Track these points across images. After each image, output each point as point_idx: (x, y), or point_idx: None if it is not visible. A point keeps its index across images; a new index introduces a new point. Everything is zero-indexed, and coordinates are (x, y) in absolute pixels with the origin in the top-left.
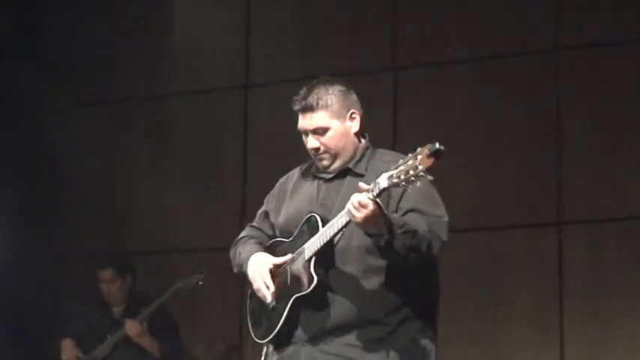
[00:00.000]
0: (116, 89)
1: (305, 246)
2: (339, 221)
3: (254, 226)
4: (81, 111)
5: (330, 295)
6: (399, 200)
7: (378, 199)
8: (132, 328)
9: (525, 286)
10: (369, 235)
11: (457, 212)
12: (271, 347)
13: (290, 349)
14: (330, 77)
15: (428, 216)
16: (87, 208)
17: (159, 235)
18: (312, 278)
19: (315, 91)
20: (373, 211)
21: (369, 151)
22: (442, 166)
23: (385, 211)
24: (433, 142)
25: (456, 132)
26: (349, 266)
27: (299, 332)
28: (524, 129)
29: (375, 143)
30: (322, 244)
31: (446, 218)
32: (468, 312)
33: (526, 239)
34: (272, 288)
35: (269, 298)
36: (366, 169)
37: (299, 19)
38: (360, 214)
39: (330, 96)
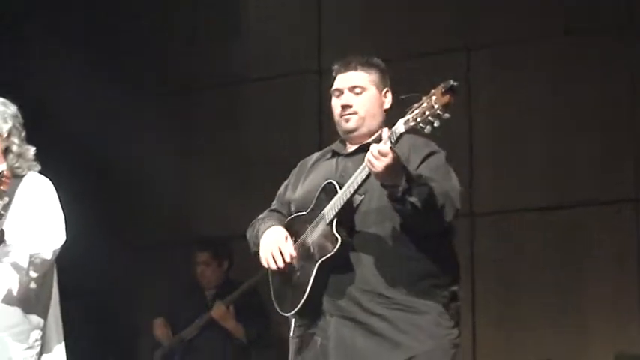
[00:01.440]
0: (188, 77)
1: (324, 211)
2: (357, 178)
3: (273, 210)
4: (153, 99)
5: (355, 260)
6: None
7: (395, 149)
8: (217, 310)
9: (603, 266)
10: (385, 186)
11: (532, 190)
12: (298, 320)
13: (320, 321)
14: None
15: (443, 183)
16: (157, 195)
17: (229, 221)
18: (336, 240)
19: (359, 58)
20: (393, 159)
21: None
22: (517, 144)
23: (403, 162)
24: (447, 80)
25: (529, 110)
26: (373, 228)
27: (326, 303)
28: (598, 104)
29: (450, 124)
30: (343, 203)
31: (460, 188)
32: (546, 292)
33: (603, 216)
34: (293, 253)
35: (286, 258)
36: None
37: (370, 1)
38: (379, 163)
39: (373, 66)
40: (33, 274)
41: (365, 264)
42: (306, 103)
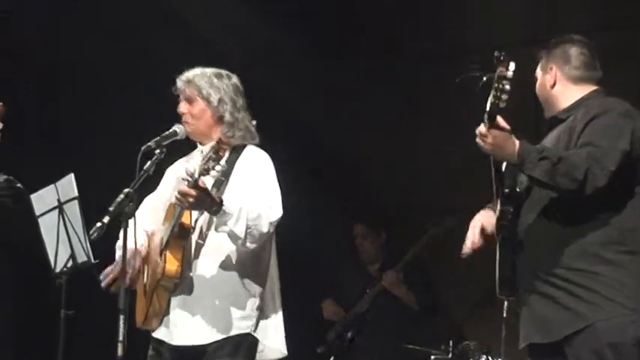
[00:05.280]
0: (405, 49)
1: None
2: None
3: None
4: (380, 74)
5: (532, 236)
6: (579, 136)
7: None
8: (389, 278)
9: None
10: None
11: None
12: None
13: (519, 297)
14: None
15: (596, 147)
16: (382, 171)
17: (455, 195)
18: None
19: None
20: (494, 138)
21: None
22: None
23: (520, 142)
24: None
25: None
26: (542, 202)
27: (518, 280)
28: None
29: None
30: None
31: (621, 147)
32: None
33: None
34: (474, 241)
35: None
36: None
37: None
38: (483, 144)
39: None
40: (250, 245)
41: (540, 239)
42: (521, 73)
